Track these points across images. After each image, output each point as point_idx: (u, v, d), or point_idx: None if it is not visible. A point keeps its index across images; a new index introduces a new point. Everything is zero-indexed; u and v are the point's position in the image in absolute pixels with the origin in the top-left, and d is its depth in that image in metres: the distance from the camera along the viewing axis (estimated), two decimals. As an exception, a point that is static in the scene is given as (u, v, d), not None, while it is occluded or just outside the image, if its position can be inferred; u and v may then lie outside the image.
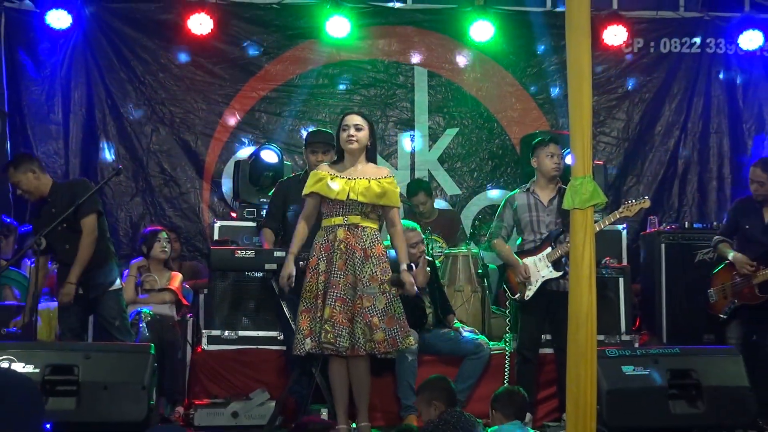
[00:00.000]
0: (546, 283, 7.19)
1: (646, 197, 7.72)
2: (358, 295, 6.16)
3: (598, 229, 7.15)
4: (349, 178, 6.29)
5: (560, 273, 7.10)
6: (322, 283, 6.21)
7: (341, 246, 6.21)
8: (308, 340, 6.18)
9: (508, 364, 7.46)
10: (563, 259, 7.10)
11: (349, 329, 6.09)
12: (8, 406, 3.29)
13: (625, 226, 8.80)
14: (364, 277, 6.19)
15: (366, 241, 6.28)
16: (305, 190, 6.42)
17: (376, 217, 6.44)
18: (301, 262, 6.75)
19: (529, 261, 7.24)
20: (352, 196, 6.22)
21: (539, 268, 7.20)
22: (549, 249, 7.21)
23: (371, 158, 6.52)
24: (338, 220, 6.29)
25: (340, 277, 6.16)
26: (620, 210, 7.35)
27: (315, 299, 6.22)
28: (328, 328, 6.03)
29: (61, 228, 6.89)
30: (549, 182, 7.38)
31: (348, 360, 6.29)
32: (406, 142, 10.41)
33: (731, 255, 7.59)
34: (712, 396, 5.98)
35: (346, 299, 6.12)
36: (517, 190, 7.61)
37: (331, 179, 6.29)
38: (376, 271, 6.22)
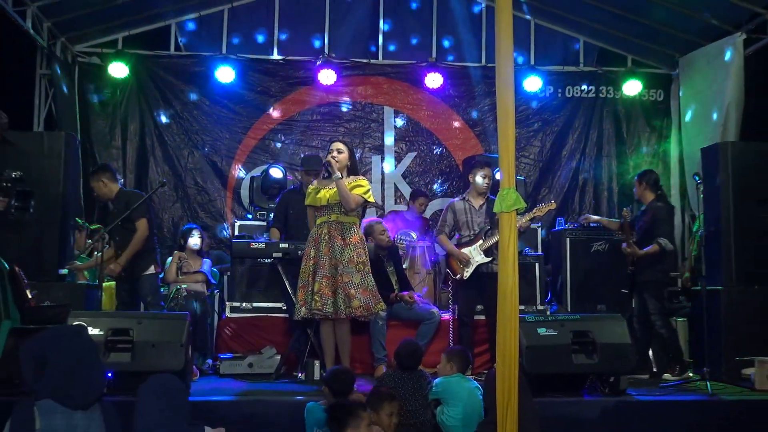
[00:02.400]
0: (479, 267, 7.24)
1: (553, 201, 7.91)
2: (339, 273, 6.25)
3: (517, 226, 7.32)
4: (329, 188, 6.39)
5: (489, 259, 7.19)
6: (312, 266, 6.33)
7: (325, 237, 6.34)
8: (303, 309, 6.33)
9: (452, 327, 7.53)
10: (491, 249, 7.18)
11: (333, 299, 6.22)
12: (82, 353, 3.30)
13: (540, 225, 8.85)
14: (344, 259, 6.28)
15: (345, 232, 6.36)
16: (306, 202, 6.61)
17: (355, 214, 6.49)
18: (299, 252, 6.80)
19: (465, 250, 7.29)
20: (332, 201, 6.35)
21: (473, 256, 7.25)
22: (480, 241, 7.27)
23: (352, 173, 6.53)
24: (324, 218, 6.42)
25: (325, 261, 6.29)
26: (533, 211, 7.46)
27: (308, 278, 6.34)
28: (317, 298, 6.22)
29: (118, 225, 6.94)
30: (480, 194, 7.43)
31: (334, 323, 6.37)
32: (378, 163, 10.41)
33: None
34: (604, 350, 6.00)
35: (330, 276, 6.25)
36: (456, 198, 7.68)
37: (316, 192, 6.46)
38: (353, 255, 6.30)
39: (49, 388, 3.15)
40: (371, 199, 6.60)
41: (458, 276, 7.32)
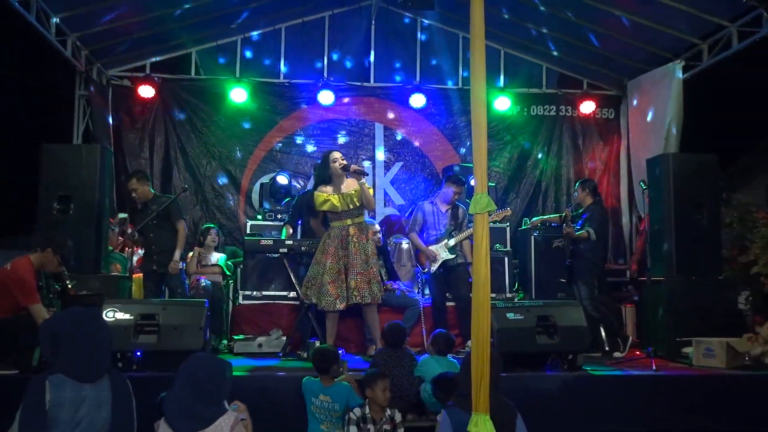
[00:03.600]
0: (444, 262, 7.26)
1: (509, 208, 8.00)
2: (370, 265, 6.38)
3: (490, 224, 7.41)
4: (344, 193, 6.41)
5: (454, 255, 7.25)
6: (343, 264, 6.35)
7: (354, 238, 6.39)
8: (338, 301, 6.35)
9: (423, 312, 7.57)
10: (455, 247, 7.30)
11: (368, 289, 6.35)
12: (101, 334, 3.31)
13: (508, 224, 8.83)
14: (369, 252, 6.40)
15: (364, 230, 6.50)
16: (318, 207, 6.54)
17: (363, 210, 6.59)
18: (303, 247, 6.79)
19: (433, 248, 7.31)
20: (351, 206, 6.39)
21: (440, 253, 7.28)
22: (446, 240, 7.29)
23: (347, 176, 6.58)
24: (348, 221, 6.44)
25: (357, 259, 6.35)
26: (492, 216, 7.46)
27: (338, 274, 6.35)
28: (356, 293, 6.30)
29: (152, 223, 7.04)
30: (446, 202, 7.45)
31: (364, 308, 6.51)
32: (370, 171, 10.38)
33: None
34: (563, 332, 6.01)
35: (362, 272, 6.34)
36: (425, 201, 7.71)
37: (338, 197, 6.44)
38: (373, 249, 6.50)
39: (62, 364, 3.14)
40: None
41: (426, 270, 7.36)
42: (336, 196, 6.43)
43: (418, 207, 7.62)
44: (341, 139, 10.38)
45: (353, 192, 6.40)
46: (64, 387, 3.09)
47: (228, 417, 3.18)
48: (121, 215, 8.46)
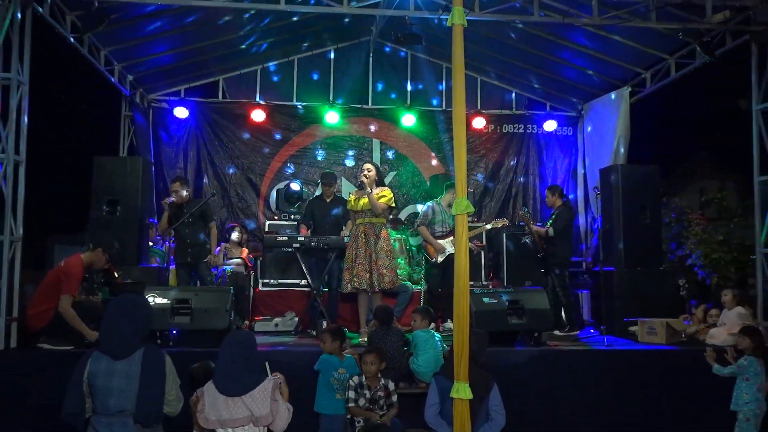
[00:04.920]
0: (450, 255, 7.23)
1: (506, 218, 8.31)
2: (373, 260, 6.44)
3: (487, 228, 7.99)
4: (363, 198, 6.58)
5: None
6: (354, 255, 6.50)
7: (362, 234, 6.52)
8: (349, 285, 6.52)
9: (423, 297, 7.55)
10: None
11: (367, 278, 6.42)
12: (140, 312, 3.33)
13: (484, 223, 8.81)
14: (377, 248, 6.47)
15: (376, 230, 6.56)
16: (348, 207, 6.87)
17: (383, 216, 6.67)
18: (312, 243, 6.77)
19: (441, 242, 7.30)
20: (365, 208, 6.57)
21: (447, 247, 7.26)
22: (452, 237, 7.26)
23: (380, 184, 6.78)
24: (361, 220, 6.59)
25: (361, 252, 6.47)
26: (492, 223, 7.74)
27: (351, 263, 6.51)
28: (355, 279, 6.44)
29: (188, 221, 6.94)
30: (450, 204, 7.46)
31: (370, 294, 6.60)
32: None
33: None
34: (530, 314, 6.03)
35: (364, 263, 6.44)
36: (432, 202, 7.70)
37: (355, 200, 6.67)
38: (383, 245, 6.52)
39: (100, 342, 3.28)
40: (393, 204, 6.84)
41: (434, 260, 7.35)
42: (357, 198, 6.68)
43: (428, 206, 7.62)
44: (344, 153, 10.34)
45: (366, 198, 6.56)
46: (101, 361, 3.17)
47: (269, 381, 3.27)
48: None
